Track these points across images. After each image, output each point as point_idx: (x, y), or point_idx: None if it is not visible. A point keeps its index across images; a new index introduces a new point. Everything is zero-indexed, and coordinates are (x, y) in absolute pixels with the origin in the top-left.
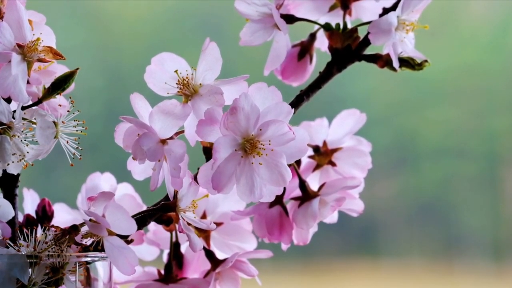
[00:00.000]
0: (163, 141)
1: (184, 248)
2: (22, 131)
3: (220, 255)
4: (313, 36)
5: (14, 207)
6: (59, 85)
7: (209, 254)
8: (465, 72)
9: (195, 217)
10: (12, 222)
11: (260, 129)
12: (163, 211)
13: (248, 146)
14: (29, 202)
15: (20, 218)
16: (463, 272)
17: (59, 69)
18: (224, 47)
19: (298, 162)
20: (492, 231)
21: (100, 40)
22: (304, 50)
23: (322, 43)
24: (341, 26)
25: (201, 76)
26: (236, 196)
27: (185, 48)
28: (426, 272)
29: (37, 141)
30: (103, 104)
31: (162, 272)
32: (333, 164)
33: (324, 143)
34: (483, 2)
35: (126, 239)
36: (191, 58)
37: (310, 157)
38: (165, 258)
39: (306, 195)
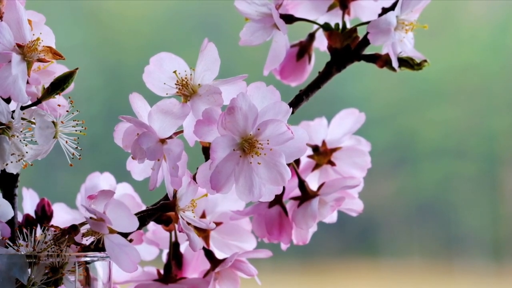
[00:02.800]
0: (163, 141)
1: (183, 247)
2: (21, 131)
3: (219, 255)
4: (312, 36)
5: (13, 207)
6: (58, 85)
7: (209, 254)
8: (464, 72)
9: (194, 217)
10: (11, 222)
11: (259, 129)
12: (162, 210)
13: (247, 146)
14: (29, 202)
15: (20, 218)
16: (463, 272)
17: (59, 69)
18: (223, 47)
19: (297, 162)
20: (492, 231)
21: (100, 40)
22: (303, 50)
23: (321, 42)
24: (340, 26)
25: (200, 76)
26: (235, 195)
27: (185, 48)
28: (426, 272)
29: (36, 141)
30: (102, 104)
31: (162, 272)
32: (333, 164)
33: (323, 142)
34: (483, 2)
35: (126, 238)
36: (190, 58)
37: (309, 156)
38: (164, 258)
39: (306, 195)
